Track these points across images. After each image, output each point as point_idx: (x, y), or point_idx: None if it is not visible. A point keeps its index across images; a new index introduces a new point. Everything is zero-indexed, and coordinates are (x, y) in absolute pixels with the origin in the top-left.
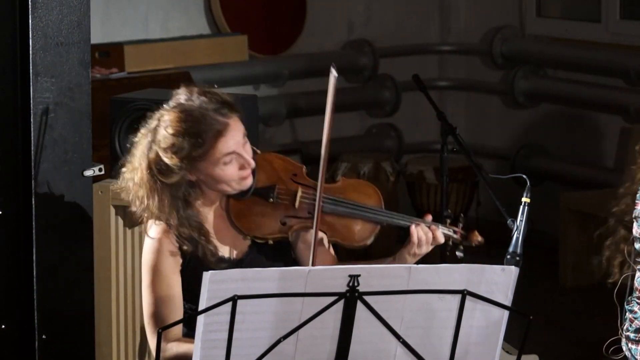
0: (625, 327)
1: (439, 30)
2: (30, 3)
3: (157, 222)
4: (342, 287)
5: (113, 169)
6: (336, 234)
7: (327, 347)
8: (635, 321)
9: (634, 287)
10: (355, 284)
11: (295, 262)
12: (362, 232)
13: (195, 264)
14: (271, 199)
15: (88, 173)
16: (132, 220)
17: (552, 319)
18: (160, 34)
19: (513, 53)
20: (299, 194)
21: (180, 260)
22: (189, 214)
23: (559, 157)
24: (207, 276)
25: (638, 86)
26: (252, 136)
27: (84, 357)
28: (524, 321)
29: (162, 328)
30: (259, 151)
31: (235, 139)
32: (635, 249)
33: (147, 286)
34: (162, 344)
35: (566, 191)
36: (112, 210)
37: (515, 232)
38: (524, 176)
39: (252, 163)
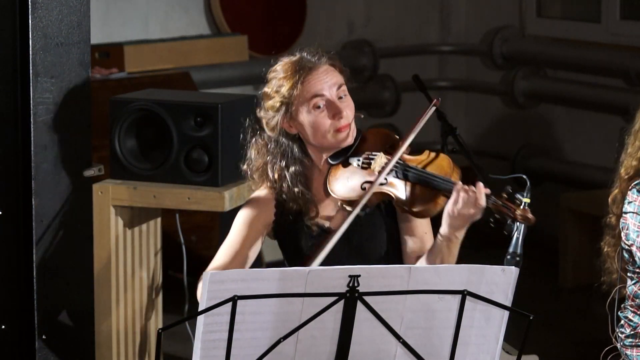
0: (620, 332)
1: (439, 30)
2: (30, 3)
3: (264, 186)
4: (342, 288)
5: (112, 169)
6: (399, 198)
7: (327, 348)
8: (631, 327)
9: (627, 295)
10: (355, 284)
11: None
12: (426, 198)
13: (291, 225)
14: (356, 164)
15: (88, 173)
16: (132, 220)
17: (552, 319)
18: (160, 34)
19: (513, 53)
20: (379, 160)
21: (265, 230)
22: (298, 170)
23: (559, 157)
24: (207, 276)
25: (638, 86)
26: None
27: (84, 358)
28: (524, 321)
29: (161, 328)
30: (362, 116)
31: (325, 82)
32: (624, 258)
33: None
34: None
35: (566, 191)
36: (112, 210)
37: (515, 232)
38: (524, 176)
39: (346, 115)
